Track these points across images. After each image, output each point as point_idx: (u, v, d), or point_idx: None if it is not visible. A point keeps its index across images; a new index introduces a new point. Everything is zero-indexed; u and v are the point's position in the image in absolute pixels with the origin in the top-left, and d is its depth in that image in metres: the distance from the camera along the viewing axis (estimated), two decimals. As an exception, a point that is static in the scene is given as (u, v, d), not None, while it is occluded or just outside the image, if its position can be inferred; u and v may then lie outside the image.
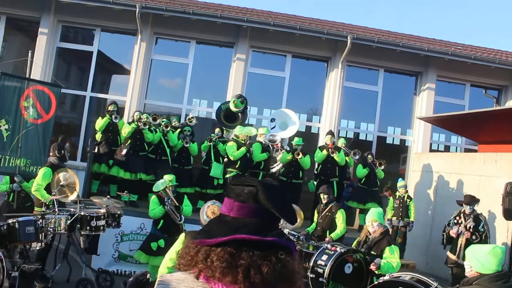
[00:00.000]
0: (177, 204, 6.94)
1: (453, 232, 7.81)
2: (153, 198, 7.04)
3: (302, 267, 1.40)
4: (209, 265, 1.30)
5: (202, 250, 1.33)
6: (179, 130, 9.28)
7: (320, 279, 5.57)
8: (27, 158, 7.25)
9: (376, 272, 5.20)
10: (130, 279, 3.25)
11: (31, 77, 8.47)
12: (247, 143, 8.74)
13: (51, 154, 7.05)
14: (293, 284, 1.32)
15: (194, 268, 1.35)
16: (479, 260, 3.21)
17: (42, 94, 7.48)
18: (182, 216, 7.04)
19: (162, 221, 7.01)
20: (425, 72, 12.46)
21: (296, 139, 9.44)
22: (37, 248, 5.75)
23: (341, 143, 9.80)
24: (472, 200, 7.91)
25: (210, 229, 1.38)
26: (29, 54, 7.87)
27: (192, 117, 9.46)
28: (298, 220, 6.54)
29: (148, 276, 3.34)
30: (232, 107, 9.23)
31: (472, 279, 3.21)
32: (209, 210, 4.88)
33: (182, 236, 4.50)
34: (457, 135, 12.69)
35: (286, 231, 7.11)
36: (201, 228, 1.47)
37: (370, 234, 5.81)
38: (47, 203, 6.53)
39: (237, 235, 1.30)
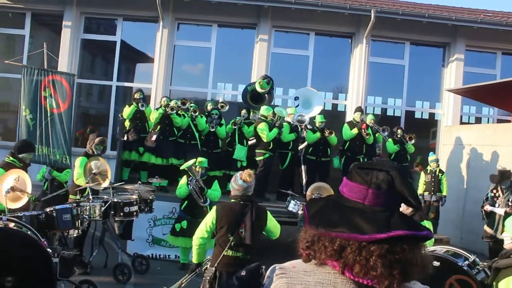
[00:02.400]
0: (202, 186, 6.99)
1: (500, 211, 7.55)
2: (184, 177, 7.17)
3: None
4: (363, 263, 1.23)
5: (353, 246, 1.25)
6: (206, 114, 9.28)
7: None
8: (53, 148, 7.46)
9: None
10: (243, 273, 3.25)
11: (53, 69, 8.70)
12: (278, 124, 8.65)
13: (88, 144, 7.25)
14: (427, 271, 1.29)
15: (335, 262, 1.28)
16: None
17: (58, 84, 7.65)
18: (208, 198, 7.05)
19: (186, 201, 7.14)
20: (453, 42, 12.09)
21: (318, 117, 9.30)
22: (74, 235, 5.92)
23: (369, 119, 9.49)
24: (503, 177, 7.63)
25: (351, 221, 1.27)
26: (44, 45, 8.05)
27: (223, 103, 9.40)
28: None
29: (263, 267, 3.33)
30: (258, 88, 9.18)
31: (510, 252, 3.11)
32: (244, 175, 4.22)
33: (214, 208, 4.31)
34: (488, 106, 12.31)
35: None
36: (317, 213, 1.35)
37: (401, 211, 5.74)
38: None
39: (397, 231, 1.23)
